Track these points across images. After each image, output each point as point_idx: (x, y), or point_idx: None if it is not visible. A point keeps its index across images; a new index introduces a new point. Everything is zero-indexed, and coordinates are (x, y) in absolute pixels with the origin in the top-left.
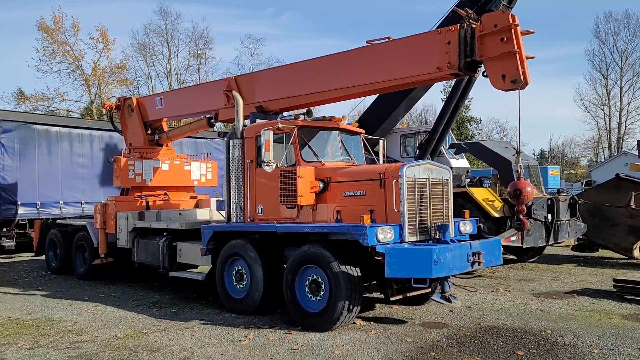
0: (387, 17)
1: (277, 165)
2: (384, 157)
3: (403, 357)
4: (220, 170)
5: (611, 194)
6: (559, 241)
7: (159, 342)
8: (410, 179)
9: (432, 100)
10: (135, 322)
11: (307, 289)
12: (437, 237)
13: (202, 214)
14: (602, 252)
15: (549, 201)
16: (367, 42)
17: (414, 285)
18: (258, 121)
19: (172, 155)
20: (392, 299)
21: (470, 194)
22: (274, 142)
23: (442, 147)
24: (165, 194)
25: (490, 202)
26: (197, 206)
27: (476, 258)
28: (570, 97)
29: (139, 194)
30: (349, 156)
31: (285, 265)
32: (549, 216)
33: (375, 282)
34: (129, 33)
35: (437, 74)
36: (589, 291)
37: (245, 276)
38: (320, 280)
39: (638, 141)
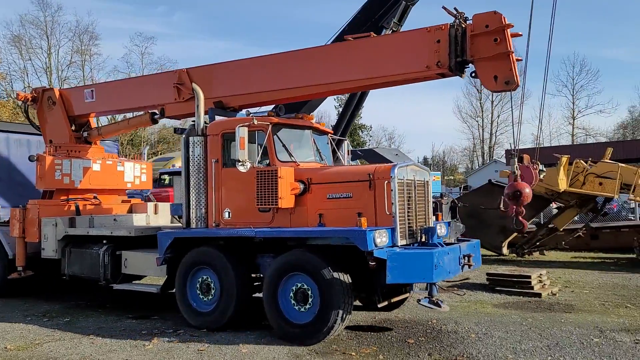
0: (281, 23)
1: (252, 165)
2: (349, 158)
3: (308, 351)
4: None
5: (484, 198)
6: None
7: (55, 351)
8: (401, 180)
9: (326, 108)
10: (25, 333)
11: (292, 299)
12: (423, 240)
13: (139, 220)
14: None
15: (433, 204)
16: (345, 37)
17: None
18: (218, 118)
19: (102, 154)
20: (379, 305)
21: None
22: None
23: (338, 153)
24: (95, 197)
25: None
26: (130, 211)
27: (466, 261)
28: (450, 109)
29: (66, 197)
30: (321, 157)
31: (255, 275)
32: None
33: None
34: (1, 23)
35: (425, 73)
36: (467, 284)
37: (212, 287)
38: (307, 288)
39: (506, 150)
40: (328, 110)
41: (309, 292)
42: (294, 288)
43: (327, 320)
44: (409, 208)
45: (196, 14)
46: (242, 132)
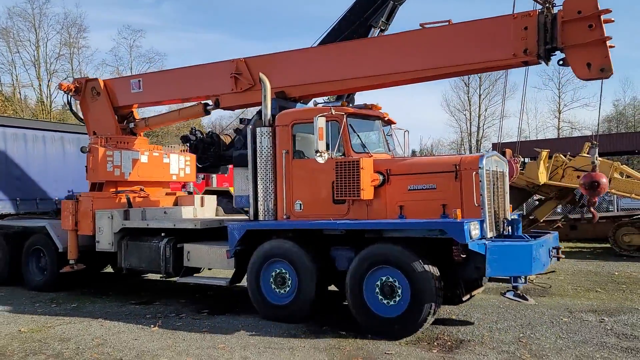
0: (273, 16)
1: (330, 155)
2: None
3: (303, 331)
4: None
5: None
6: None
7: (68, 333)
8: (488, 171)
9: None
10: (36, 318)
11: (378, 293)
12: (506, 232)
13: (187, 212)
14: None
15: None
16: (420, 25)
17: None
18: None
19: (148, 146)
20: (464, 299)
21: None
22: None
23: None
24: (141, 189)
25: None
26: (176, 203)
27: (555, 253)
28: (438, 103)
29: (114, 189)
30: (388, 147)
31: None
32: None
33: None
34: None
35: (511, 61)
36: None
37: (288, 279)
38: (393, 281)
39: (493, 144)
40: None
41: (397, 286)
42: (380, 281)
43: (419, 314)
44: (494, 199)
45: (184, 5)
46: (321, 123)
